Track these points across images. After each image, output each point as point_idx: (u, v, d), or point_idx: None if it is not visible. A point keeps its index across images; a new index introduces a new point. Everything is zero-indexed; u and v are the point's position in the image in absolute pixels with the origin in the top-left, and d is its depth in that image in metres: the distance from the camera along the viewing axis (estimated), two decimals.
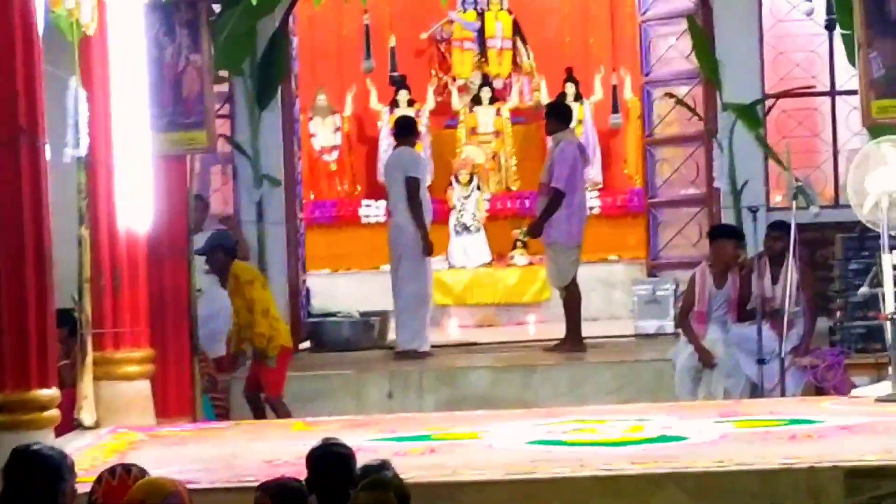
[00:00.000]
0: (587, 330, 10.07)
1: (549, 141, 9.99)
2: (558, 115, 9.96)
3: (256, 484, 4.69)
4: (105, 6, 7.32)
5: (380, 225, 12.30)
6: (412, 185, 9.49)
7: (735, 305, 8.95)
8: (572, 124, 10.53)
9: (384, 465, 4.74)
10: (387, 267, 10.48)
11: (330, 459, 4.69)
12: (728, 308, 8.92)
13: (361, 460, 4.75)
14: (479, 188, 13.35)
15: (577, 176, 9.63)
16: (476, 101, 13.96)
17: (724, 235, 9.09)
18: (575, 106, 12.59)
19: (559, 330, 9.95)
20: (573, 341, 9.61)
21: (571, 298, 9.62)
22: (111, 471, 4.43)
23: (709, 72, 10.47)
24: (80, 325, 7.27)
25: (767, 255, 8.81)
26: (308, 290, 10.94)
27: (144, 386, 7.71)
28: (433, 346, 10.02)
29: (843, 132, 10.78)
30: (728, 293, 8.88)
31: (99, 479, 4.38)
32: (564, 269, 9.57)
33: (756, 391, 8.37)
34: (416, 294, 9.69)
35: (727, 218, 10.22)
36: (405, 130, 10.08)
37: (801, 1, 10.17)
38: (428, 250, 9.60)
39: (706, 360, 8.59)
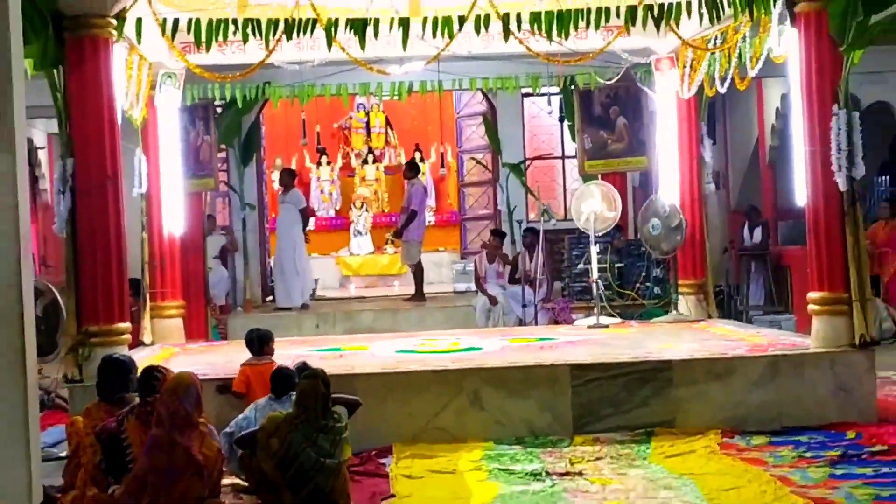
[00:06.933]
0: (427, 289, 11.81)
1: (406, 184, 11.97)
2: (412, 168, 12.02)
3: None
4: (156, 108, 8.75)
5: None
6: (302, 213, 11.33)
7: (499, 274, 10.27)
8: (420, 175, 12.16)
9: (306, 365, 5.21)
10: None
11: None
12: (496, 275, 10.30)
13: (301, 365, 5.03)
14: (367, 210, 16.51)
15: (423, 203, 11.61)
16: (365, 162, 17.10)
17: (492, 234, 10.91)
18: (421, 164, 14.41)
19: (410, 289, 11.96)
20: (418, 296, 11.60)
21: (418, 271, 11.68)
22: (155, 368, 4.97)
23: (495, 145, 12.40)
24: (143, 288, 8.28)
25: (524, 246, 10.23)
26: (271, 267, 12.47)
27: (178, 322, 8.99)
28: (342, 299, 12.09)
29: (569, 179, 12.62)
30: (496, 267, 10.37)
31: (158, 376, 4.87)
32: (414, 254, 11.57)
33: (521, 323, 9.69)
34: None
35: (504, 227, 12.06)
36: (286, 177, 11.55)
37: (545, 106, 11.83)
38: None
39: (492, 301, 9.99)
